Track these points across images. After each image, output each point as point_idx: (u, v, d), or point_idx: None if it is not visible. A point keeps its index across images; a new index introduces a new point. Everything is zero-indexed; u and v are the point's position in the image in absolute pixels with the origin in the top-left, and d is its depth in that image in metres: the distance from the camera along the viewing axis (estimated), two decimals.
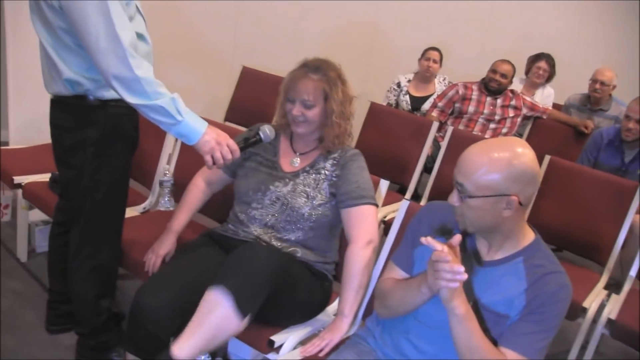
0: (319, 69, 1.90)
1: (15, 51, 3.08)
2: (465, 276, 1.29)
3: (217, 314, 1.59)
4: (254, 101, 3.97)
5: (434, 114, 4.12)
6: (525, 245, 1.47)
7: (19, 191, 2.67)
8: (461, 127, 4.10)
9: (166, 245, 2.02)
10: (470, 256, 1.49)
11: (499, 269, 1.46)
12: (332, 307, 1.97)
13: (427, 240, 1.33)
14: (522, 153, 1.36)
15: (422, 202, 3.24)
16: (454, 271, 1.30)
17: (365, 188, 1.89)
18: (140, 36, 1.75)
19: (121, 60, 1.59)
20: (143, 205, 2.62)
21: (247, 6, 4.63)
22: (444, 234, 1.54)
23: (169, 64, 4.36)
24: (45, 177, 2.62)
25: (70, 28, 1.65)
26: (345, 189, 1.88)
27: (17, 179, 2.68)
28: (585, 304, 2.38)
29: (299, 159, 1.98)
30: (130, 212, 2.53)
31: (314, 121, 1.91)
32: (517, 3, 5.13)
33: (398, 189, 3.64)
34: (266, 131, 1.87)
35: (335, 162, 1.93)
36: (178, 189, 2.54)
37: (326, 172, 1.93)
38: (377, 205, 1.92)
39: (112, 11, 1.58)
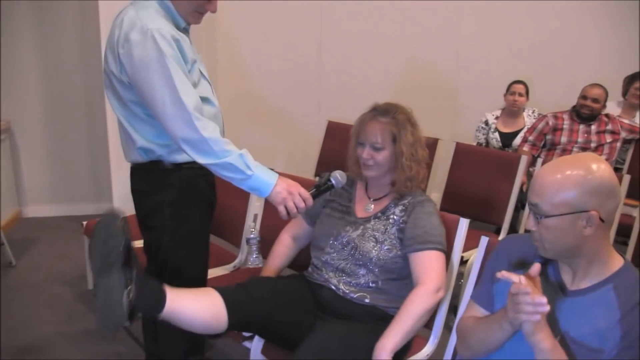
0: (387, 112, 1.92)
1: (115, 125, 3.32)
2: (547, 308, 1.21)
3: None
4: (342, 154, 3.99)
5: (525, 148, 3.96)
6: (615, 270, 1.35)
7: None
8: (555, 159, 3.90)
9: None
10: (554, 286, 1.38)
11: (587, 298, 1.34)
12: (417, 357, 1.90)
13: (502, 274, 1.27)
14: (597, 167, 1.29)
15: None
16: (535, 303, 1.22)
17: (433, 234, 1.85)
18: (205, 99, 1.84)
19: (187, 123, 1.67)
20: (233, 263, 2.67)
21: (329, 61, 4.76)
22: (522, 266, 1.44)
23: (255, 126, 4.57)
24: (141, 242, 2.74)
25: (139, 100, 1.77)
26: (412, 234, 1.85)
27: None
28: None
29: (373, 204, 1.98)
30: (221, 270, 2.60)
31: (383, 164, 1.91)
32: (604, 25, 4.90)
33: (495, 229, 3.51)
34: (337, 177, 1.88)
35: (404, 207, 1.91)
36: (265, 246, 2.58)
37: (395, 217, 1.91)
38: (444, 252, 1.86)
39: (175, 79, 1.68)
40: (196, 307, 1.69)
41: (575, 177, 1.28)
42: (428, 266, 1.80)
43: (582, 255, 1.33)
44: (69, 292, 3.37)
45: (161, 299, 1.60)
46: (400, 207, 1.92)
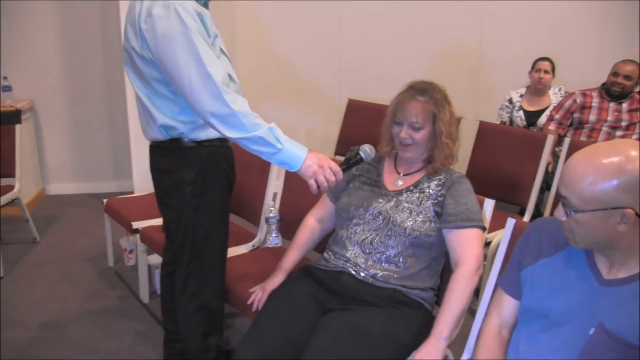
0: (425, 91, 1.90)
1: (135, 104, 3.31)
2: None
3: None
4: (362, 132, 3.94)
5: (551, 127, 3.86)
6: None
7: (138, 236, 2.83)
8: (583, 138, 3.81)
9: (274, 282, 2.03)
10: (587, 274, 1.31)
11: (626, 289, 1.24)
12: None
13: None
14: (635, 157, 1.15)
15: None
16: None
17: (474, 211, 1.83)
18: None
19: (215, 97, 1.63)
20: (252, 242, 2.66)
21: (349, 39, 4.69)
22: (556, 250, 1.38)
23: (276, 104, 4.54)
24: (159, 220, 2.72)
25: (163, 77, 1.73)
26: (454, 210, 1.82)
27: (135, 225, 2.85)
28: None
29: (401, 180, 1.96)
30: (240, 249, 2.59)
31: (421, 144, 1.90)
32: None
33: (519, 210, 3.44)
34: (366, 150, 1.85)
35: (440, 182, 1.90)
36: (285, 225, 2.56)
37: (430, 191, 1.88)
38: (484, 229, 1.84)
39: (201, 52, 1.64)
40: None
41: (609, 168, 1.16)
42: (469, 245, 1.79)
43: (617, 248, 1.24)
44: (90, 269, 3.40)
45: None
46: (435, 182, 1.90)
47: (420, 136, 1.88)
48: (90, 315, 2.86)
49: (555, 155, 3.71)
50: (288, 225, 2.29)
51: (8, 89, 4.32)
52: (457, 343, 1.87)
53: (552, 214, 3.06)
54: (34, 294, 3.09)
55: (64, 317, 2.85)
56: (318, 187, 1.73)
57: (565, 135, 3.84)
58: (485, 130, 3.42)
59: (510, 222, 1.76)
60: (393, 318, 1.75)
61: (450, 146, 1.90)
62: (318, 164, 1.71)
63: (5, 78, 4.33)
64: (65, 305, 2.97)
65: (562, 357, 1.25)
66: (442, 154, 1.90)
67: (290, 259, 2.09)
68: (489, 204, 1.92)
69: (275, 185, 2.65)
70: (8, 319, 2.83)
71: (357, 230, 1.90)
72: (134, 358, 2.51)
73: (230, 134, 1.65)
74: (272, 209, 2.60)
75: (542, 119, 4.05)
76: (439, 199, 1.86)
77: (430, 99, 1.88)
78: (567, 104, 3.86)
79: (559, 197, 1.26)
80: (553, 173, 3.48)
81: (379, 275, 1.83)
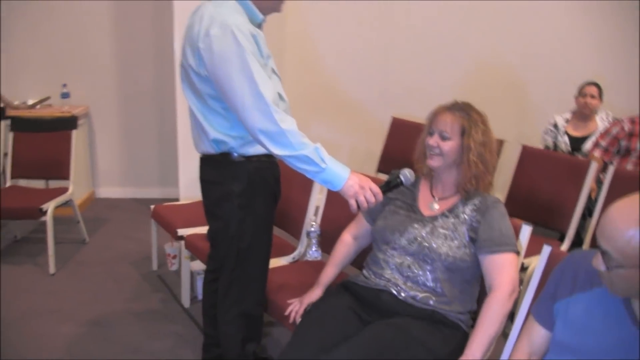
0: (463, 108, 1.95)
1: (185, 116, 3.43)
2: None
3: None
4: (405, 151, 3.98)
5: (597, 153, 3.82)
6: None
7: (182, 242, 2.94)
8: (629, 166, 3.75)
9: (311, 296, 2.08)
10: (622, 314, 1.29)
11: None
12: None
13: None
14: None
15: (585, 248, 3.00)
16: None
17: (508, 235, 1.84)
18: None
19: (266, 115, 1.71)
20: (292, 255, 2.72)
21: (393, 57, 4.75)
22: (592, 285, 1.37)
23: (320, 120, 4.62)
24: (204, 229, 2.83)
25: (217, 94, 1.83)
26: (488, 235, 1.84)
27: (180, 232, 2.96)
28: None
29: (437, 204, 1.98)
30: (280, 261, 2.65)
31: (448, 155, 1.92)
32: None
33: (559, 236, 3.42)
34: (407, 174, 1.89)
35: (475, 207, 1.90)
36: (325, 240, 2.62)
37: (465, 216, 1.90)
38: (518, 254, 1.86)
39: (254, 72, 1.73)
40: None
41: None
42: (503, 269, 1.80)
43: None
44: (135, 272, 3.53)
45: None
46: (470, 207, 1.91)
47: (447, 147, 1.90)
48: (133, 316, 2.98)
49: (599, 182, 3.68)
50: (328, 240, 2.35)
51: (67, 95, 4.53)
52: None
53: (592, 242, 3.04)
54: (83, 292, 3.23)
55: (109, 316, 2.97)
56: (358, 206, 1.79)
57: (611, 163, 3.79)
58: (528, 155, 3.42)
59: (546, 250, 1.77)
60: (432, 331, 1.79)
61: (480, 167, 1.90)
62: (359, 184, 1.77)
63: (64, 85, 4.53)
64: (111, 305, 3.09)
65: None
66: (468, 172, 1.90)
67: (328, 275, 2.14)
68: (527, 231, 1.93)
69: (317, 199, 2.71)
70: (60, 313, 2.98)
71: (394, 254, 1.94)
72: (175, 359, 2.60)
73: (277, 151, 1.73)
74: (314, 223, 2.68)
75: (588, 145, 4.00)
76: (474, 224, 1.87)
77: (466, 114, 1.92)
78: (614, 130, 3.81)
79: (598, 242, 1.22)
80: (596, 200, 3.44)
81: (418, 297, 1.86)
